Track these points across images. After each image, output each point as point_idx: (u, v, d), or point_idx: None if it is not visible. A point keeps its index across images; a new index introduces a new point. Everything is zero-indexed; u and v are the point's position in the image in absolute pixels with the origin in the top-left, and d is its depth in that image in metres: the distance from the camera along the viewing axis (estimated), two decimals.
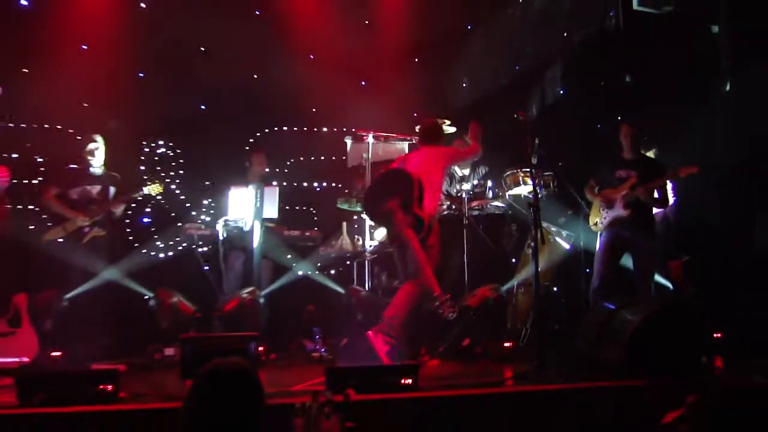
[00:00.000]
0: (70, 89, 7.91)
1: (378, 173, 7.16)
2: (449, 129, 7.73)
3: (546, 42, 9.17)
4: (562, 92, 9.65)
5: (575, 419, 4.76)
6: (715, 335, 6.06)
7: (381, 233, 7.81)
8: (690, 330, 5.53)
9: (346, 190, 8.26)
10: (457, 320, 6.56)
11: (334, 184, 9.12)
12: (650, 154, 7.72)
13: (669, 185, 7.25)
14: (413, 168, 6.41)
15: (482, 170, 8.10)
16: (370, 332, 5.88)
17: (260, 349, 5.71)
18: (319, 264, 7.98)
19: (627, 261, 7.25)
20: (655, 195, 7.11)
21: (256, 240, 7.37)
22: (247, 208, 7.47)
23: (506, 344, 6.85)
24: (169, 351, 6.41)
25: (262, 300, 7.23)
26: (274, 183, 8.22)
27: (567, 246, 7.75)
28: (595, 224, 7.28)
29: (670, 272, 7.71)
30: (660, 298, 6.94)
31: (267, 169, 8.12)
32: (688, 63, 8.68)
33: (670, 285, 7.70)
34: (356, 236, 8.12)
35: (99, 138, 7.29)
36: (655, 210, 7.36)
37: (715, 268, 8.10)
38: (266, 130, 9.13)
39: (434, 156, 6.64)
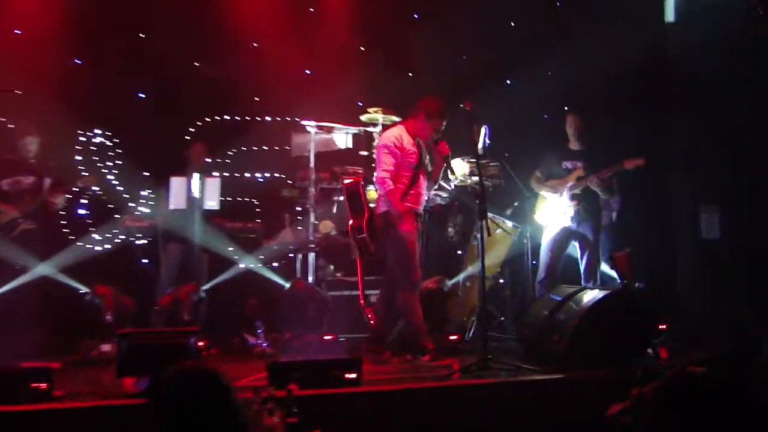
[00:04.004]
0: (2, 76, 7.68)
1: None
2: (393, 118, 7.69)
3: (491, 33, 9.18)
4: (507, 82, 9.69)
5: (520, 412, 4.80)
6: (660, 327, 6.13)
7: (326, 225, 7.77)
8: (635, 321, 5.62)
9: (290, 181, 8.23)
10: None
11: (277, 175, 9.02)
12: None
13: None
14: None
15: None
16: None
17: (200, 344, 5.64)
18: (261, 256, 7.90)
19: (573, 250, 7.33)
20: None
21: (196, 232, 7.27)
22: (186, 199, 7.33)
23: (452, 337, 6.86)
24: (106, 347, 6.28)
25: (202, 293, 7.18)
26: (215, 173, 8.11)
27: (513, 237, 7.77)
28: (541, 216, 7.35)
29: (616, 264, 7.80)
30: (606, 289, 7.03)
31: (208, 160, 8.06)
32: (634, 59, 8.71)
33: (616, 276, 7.79)
34: (299, 228, 8.06)
35: (33, 127, 7.12)
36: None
37: (662, 260, 8.24)
38: (207, 119, 8.99)
39: None
